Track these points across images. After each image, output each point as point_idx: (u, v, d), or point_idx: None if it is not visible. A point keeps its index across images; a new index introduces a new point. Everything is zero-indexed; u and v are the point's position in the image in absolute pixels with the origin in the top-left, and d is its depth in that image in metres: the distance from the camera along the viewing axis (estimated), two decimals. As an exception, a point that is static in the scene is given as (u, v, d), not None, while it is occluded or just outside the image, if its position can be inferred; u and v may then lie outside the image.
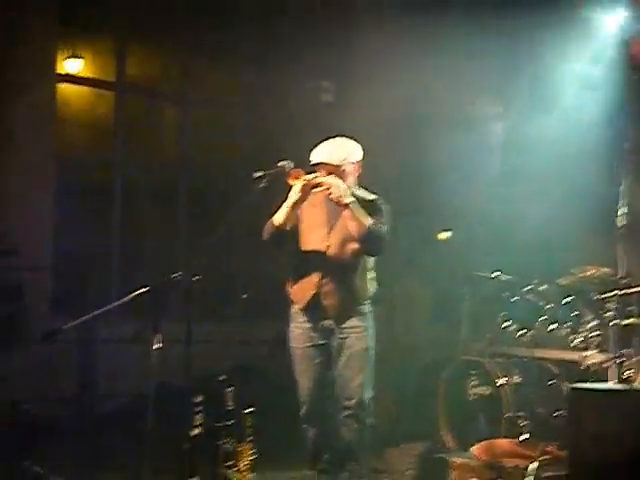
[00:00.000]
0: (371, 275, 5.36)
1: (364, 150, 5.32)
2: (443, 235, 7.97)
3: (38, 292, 6.73)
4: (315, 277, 5.23)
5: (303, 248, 5.30)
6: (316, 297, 5.22)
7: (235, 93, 8.56)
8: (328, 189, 5.08)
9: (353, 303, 5.26)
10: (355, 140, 5.34)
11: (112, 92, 7.83)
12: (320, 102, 8.08)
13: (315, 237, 5.26)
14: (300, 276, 5.30)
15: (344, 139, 5.33)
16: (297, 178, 5.02)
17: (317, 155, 5.24)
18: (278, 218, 5.22)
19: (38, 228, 6.82)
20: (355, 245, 5.19)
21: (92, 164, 8.01)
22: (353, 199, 5.12)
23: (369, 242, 5.15)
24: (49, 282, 6.94)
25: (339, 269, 5.22)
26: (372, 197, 5.33)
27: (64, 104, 7.59)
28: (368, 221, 5.12)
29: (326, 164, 5.19)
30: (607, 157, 6.24)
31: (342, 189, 5.09)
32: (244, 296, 7.21)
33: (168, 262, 7.45)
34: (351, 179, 5.28)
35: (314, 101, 8.03)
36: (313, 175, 5.14)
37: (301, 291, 5.30)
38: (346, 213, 5.12)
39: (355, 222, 5.10)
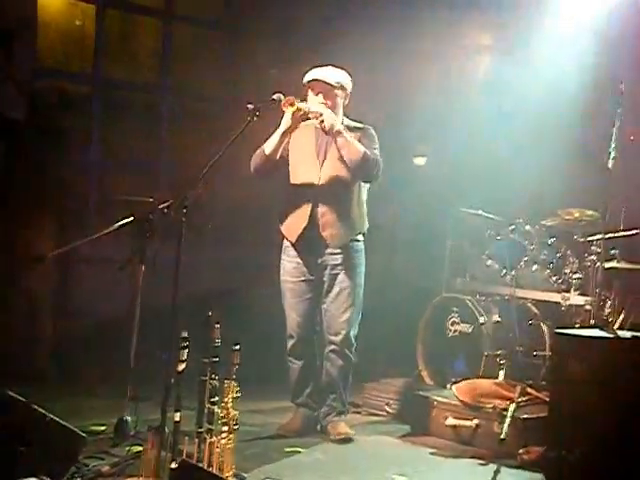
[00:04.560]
0: (364, 209, 5.32)
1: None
2: (419, 160, 7.88)
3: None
4: (306, 210, 5.17)
5: (293, 182, 5.23)
6: (308, 231, 5.17)
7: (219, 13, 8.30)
8: (319, 117, 5.01)
9: (347, 235, 5.22)
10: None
11: (93, 5, 7.57)
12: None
13: (306, 170, 5.20)
14: (291, 210, 5.25)
15: (337, 69, 5.24)
16: (292, 105, 4.93)
17: (312, 73, 5.16)
18: (268, 146, 5.14)
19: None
20: (348, 175, 5.14)
21: (71, 78, 7.79)
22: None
23: (365, 168, 5.10)
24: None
25: (332, 201, 5.16)
26: (361, 125, 5.27)
27: (45, 14, 7.36)
28: (362, 147, 5.06)
29: (321, 82, 5.11)
30: (601, 98, 6.15)
31: (333, 117, 5.03)
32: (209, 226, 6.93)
33: (150, 184, 7.36)
34: (341, 107, 5.22)
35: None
36: (306, 104, 5.05)
37: (292, 225, 5.24)
38: (339, 141, 5.05)
39: (349, 149, 5.04)
